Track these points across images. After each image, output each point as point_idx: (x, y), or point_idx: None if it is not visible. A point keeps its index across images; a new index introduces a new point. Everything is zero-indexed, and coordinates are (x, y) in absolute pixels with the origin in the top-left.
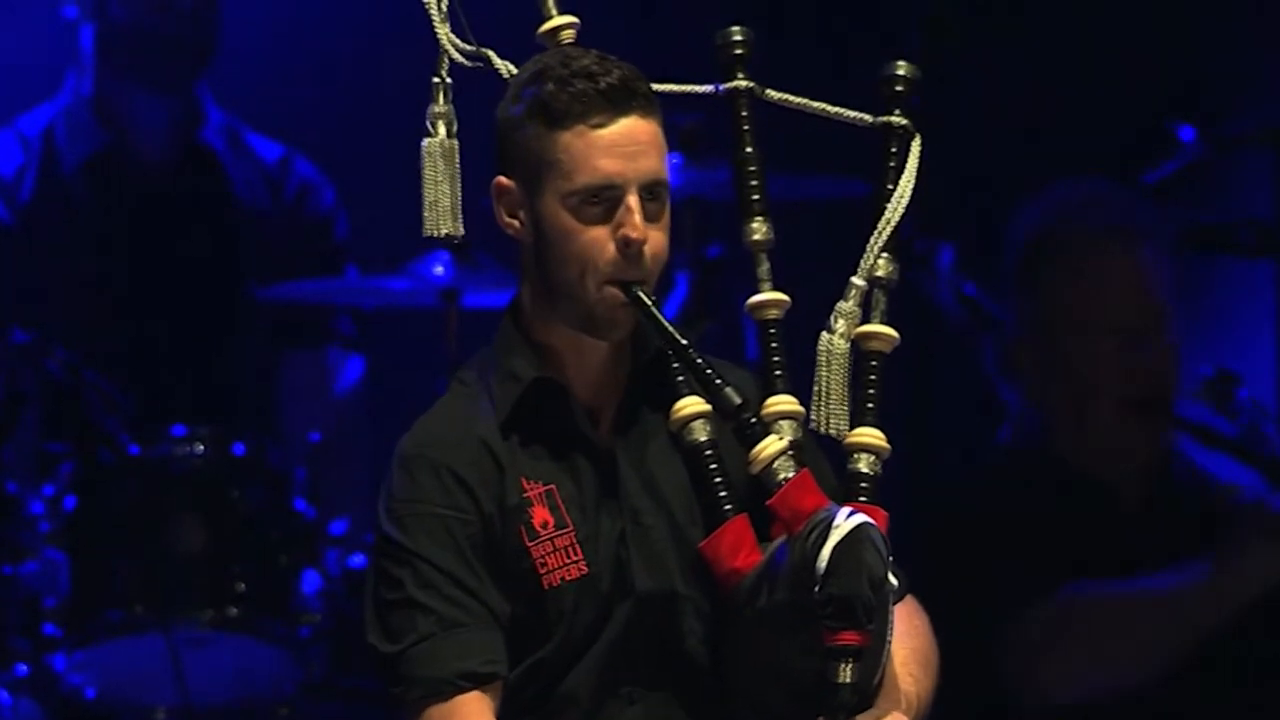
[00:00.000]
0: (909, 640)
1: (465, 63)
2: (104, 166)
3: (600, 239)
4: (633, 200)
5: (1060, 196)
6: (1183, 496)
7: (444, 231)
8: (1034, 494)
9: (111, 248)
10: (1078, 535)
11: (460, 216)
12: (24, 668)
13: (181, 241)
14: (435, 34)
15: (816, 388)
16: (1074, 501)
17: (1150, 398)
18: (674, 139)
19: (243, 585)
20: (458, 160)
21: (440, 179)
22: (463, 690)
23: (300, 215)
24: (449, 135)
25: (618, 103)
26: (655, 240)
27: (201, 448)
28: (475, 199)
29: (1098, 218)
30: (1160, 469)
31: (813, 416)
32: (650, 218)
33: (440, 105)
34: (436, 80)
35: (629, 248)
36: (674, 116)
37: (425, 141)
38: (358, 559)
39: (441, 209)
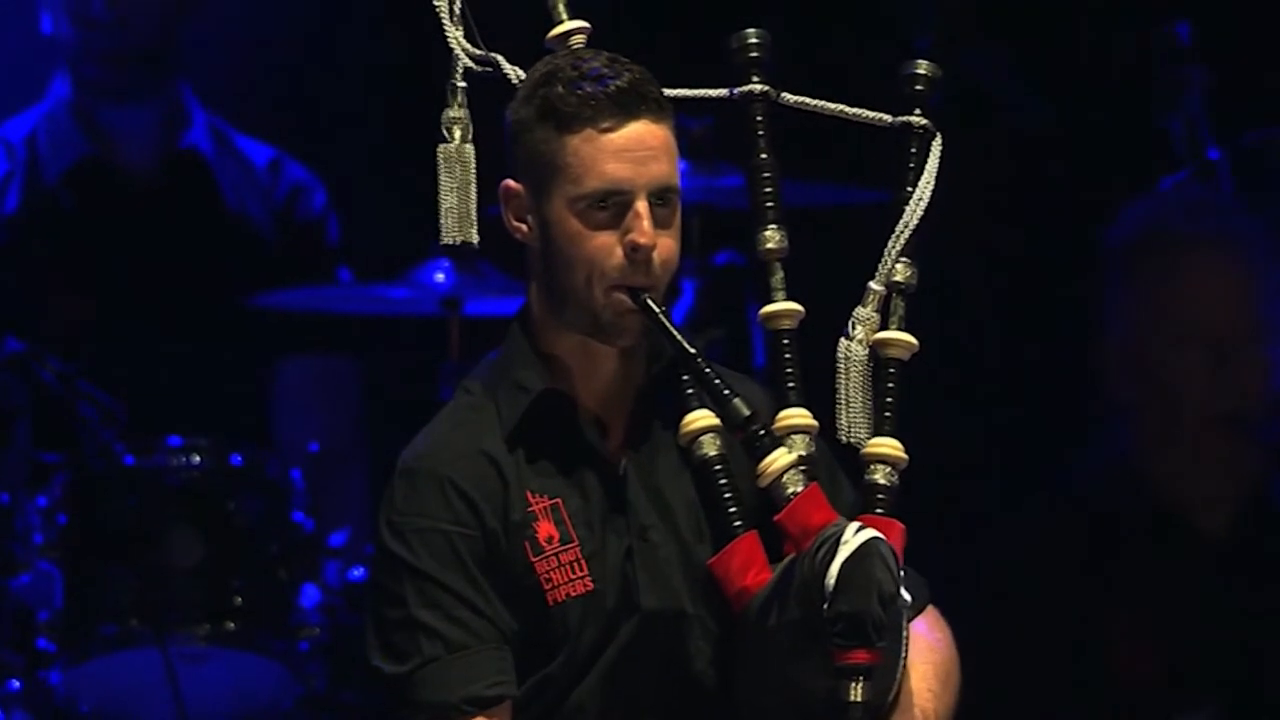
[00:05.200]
0: (929, 655)
1: (475, 67)
2: (87, 175)
3: (608, 244)
4: (642, 206)
5: (1164, 198)
6: (1275, 526)
7: (459, 239)
8: (1117, 513)
9: (100, 256)
10: (1158, 560)
11: (475, 224)
12: (16, 683)
13: (172, 248)
14: (446, 38)
15: (837, 396)
16: (1157, 523)
17: (1238, 415)
18: (682, 144)
19: (240, 599)
20: (473, 166)
21: (456, 185)
22: (469, 715)
23: (291, 218)
24: (464, 140)
25: (627, 107)
26: (665, 246)
27: (198, 458)
28: (480, 206)
29: (1200, 223)
30: (1251, 494)
31: (835, 425)
32: (660, 223)
33: (455, 110)
34: (451, 85)
35: (637, 253)
36: (683, 121)
37: (440, 147)
38: (358, 571)
39: (457, 216)
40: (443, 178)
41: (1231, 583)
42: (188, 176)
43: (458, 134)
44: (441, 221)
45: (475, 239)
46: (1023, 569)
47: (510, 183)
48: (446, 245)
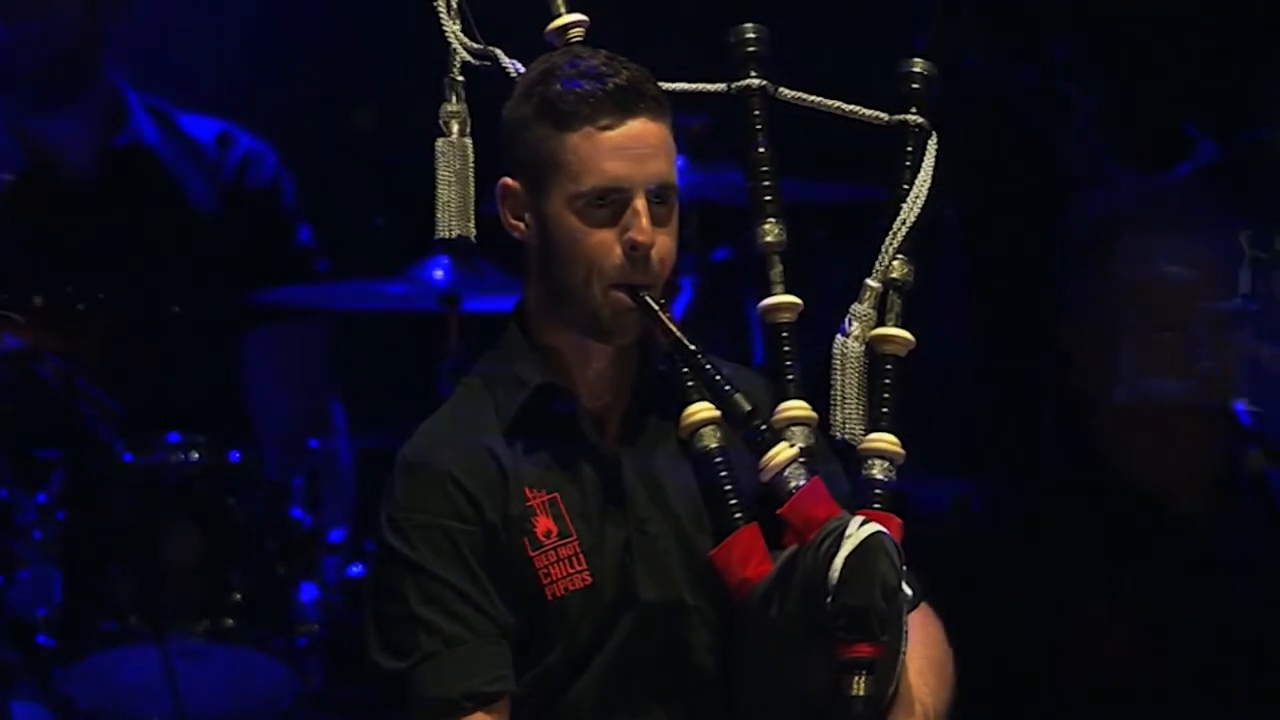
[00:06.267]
0: (924, 650)
1: (473, 61)
2: (29, 189)
3: (607, 242)
4: (640, 204)
5: (1127, 186)
6: (1248, 505)
7: (455, 233)
8: (1087, 498)
9: (63, 265)
10: (1133, 545)
11: (472, 218)
12: (16, 679)
13: (135, 242)
14: (444, 32)
15: (833, 392)
16: (1128, 507)
17: (1205, 400)
18: (680, 141)
19: (238, 595)
20: (471, 160)
21: (453, 179)
22: (468, 711)
23: (243, 187)
24: (462, 134)
25: (626, 104)
26: (662, 244)
27: (196, 455)
28: (477, 202)
29: (1165, 210)
30: (1222, 475)
31: (830, 421)
32: (658, 221)
33: (453, 104)
34: (449, 79)
35: (635, 251)
36: (680, 118)
37: (438, 141)
38: (356, 568)
39: (454, 210)
40: (440, 172)
41: (1207, 565)
42: (134, 169)
43: (455, 128)
44: (438, 216)
45: (472, 233)
46: (999, 556)
47: (507, 181)
48: (442, 239)
